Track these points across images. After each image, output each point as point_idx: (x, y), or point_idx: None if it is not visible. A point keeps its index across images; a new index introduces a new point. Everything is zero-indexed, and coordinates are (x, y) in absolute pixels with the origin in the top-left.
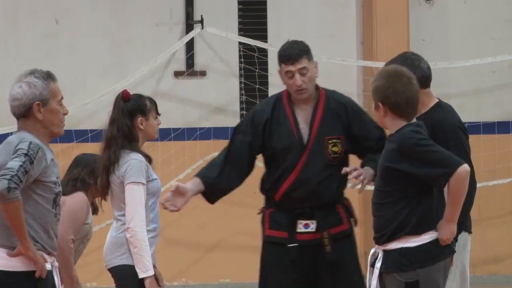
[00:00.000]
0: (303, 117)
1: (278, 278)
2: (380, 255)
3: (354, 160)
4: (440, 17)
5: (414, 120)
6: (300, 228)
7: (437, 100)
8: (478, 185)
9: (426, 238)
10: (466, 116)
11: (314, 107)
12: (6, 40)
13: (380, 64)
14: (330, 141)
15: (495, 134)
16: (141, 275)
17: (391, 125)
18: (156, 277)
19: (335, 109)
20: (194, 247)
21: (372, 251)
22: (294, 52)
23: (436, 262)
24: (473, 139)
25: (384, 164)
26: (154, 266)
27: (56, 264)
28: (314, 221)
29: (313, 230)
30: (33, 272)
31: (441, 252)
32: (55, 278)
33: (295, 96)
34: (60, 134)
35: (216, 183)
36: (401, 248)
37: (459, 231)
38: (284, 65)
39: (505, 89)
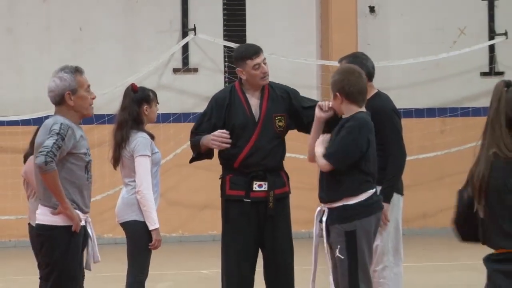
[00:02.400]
0: (253, 101)
1: (236, 226)
2: (326, 211)
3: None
4: (381, 25)
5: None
6: (255, 187)
7: (377, 90)
8: (410, 157)
9: (362, 196)
10: (402, 103)
11: (261, 93)
12: (42, 45)
13: (334, 63)
14: (276, 118)
15: (424, 117)
16: (150, 227)
17: (347, 111)
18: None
19: (279, 94)
20: (188, 207)
21: (318, 208)
22: (257, 48)
23: (369, 215)
24: (406, 122)
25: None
26: None
27: (89, 219)
28: (266, 183)
29: (266, 189)
30: (70, 226)
31: (373, 208)
32: (89, 230)
33: (260, 82)
34: (90, 115)
35: (208, 156)
36: (343, 205)
37: (392, 195)
38: (250, 60)
39: (433, 83)
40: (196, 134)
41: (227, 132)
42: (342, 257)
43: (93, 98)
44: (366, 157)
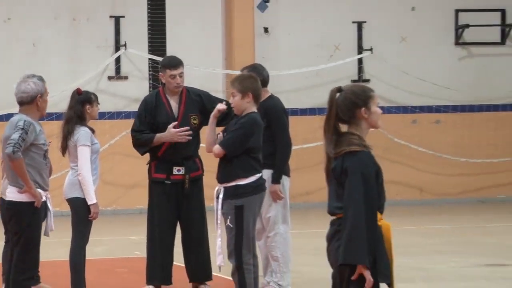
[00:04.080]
0: (173, 103)
1: (159, 202)
2: (222, 190)
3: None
4: (273, 42)
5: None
6: (175, 172)
7: (270, 94)
8: (296, 147)
9: (251, 179)
10: (290, 105)
11: (180, 96)
12: (4, 57)
13: (236, 72)
14: (192, 117)
15: (307, 115)
16: (89, 202)
17: (246, 109)
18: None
19: (194, 97)
20: (120, 186)
21: (216, 188)
22: (177, 62)
23: (255, 194)
24: (293, 119)
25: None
26: None
27: (49, 196)
28: (183, 167)
29: (182, 173)
30: (33, 202)
31: (258, 189)
32: (48, 205)
33: (173, 90)
34: (44, 115)
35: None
36: (236, 185)
37: (281, 177)
38: (169, 70)
39: (314, 88)
40: (141, 132)
41: (187, 128)
42: (231, 226)
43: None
44: (254, 147)
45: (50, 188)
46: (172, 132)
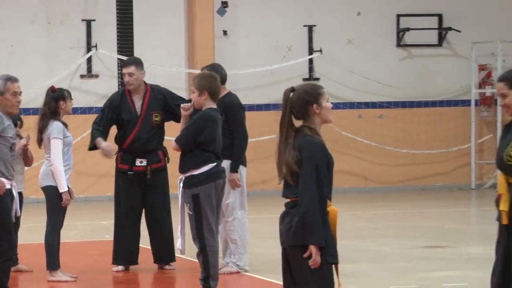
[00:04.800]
0: (137, 101)
1: (124, 190)
2: (182, 179)
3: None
4: (232, 44)
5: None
6: (137, 163)
7: (228, 91)
8: (252, 139)
9: (204, 169)
10: (247, 101)
11: (143, 95)
12: None
13: (198, 71)
14: (153, 114)
15: (263, 111)
16: (61, 190)
17: (204, 106)
18: (69, 192)
19: (157, 95)
20: (92, 175)
21: (180, 177)
22: (128, 62)
23: (210, 183)
24: (250, 114)
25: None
26: (68, 187)
27: (14, 184)
28: (145, 159)
29: (144, 164)
30: None
31: (213, 178)
32: (13, 192)
33: (127, 87)
34: (13, 113)
35: (104, 139)
36: (191, 175)
37: (239, 167)
38: (123, 69)
39: (269, 86)
40: (98, 125)
41: (114, 148)
42: (191, 213)
43: (18, 102)
44: (207, 141)
45: (27, 177)
46: (103, 146)
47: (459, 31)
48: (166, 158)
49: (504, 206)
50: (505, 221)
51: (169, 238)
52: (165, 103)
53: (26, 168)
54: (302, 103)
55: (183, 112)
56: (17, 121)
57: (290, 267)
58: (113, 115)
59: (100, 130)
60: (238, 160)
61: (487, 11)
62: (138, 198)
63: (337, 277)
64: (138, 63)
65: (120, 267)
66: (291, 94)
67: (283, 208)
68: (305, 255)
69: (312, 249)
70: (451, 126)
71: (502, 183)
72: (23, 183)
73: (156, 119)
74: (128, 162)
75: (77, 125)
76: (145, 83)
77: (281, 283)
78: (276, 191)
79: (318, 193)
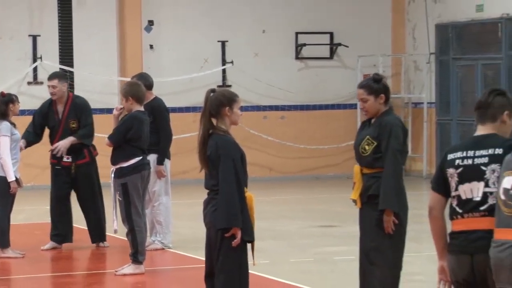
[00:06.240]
0: (60, 109)
1: (55, 180)
2: (113, 170)
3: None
4: (157, 56)
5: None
6: (64, 159)
7: (155, 96)
8: (176, 136)
9: (131, 162)
10: (170, 104)
11: (65, 104)
12: None
13: (128, 79)
14: (71, 121)
15: (184, 112)
16: (8, 180)
17: (133, 109)
18: (18, 181)
19: (77, 104)
20: (37, 167)
21: (111, 169)
22: (51, 76)
23: (136, 173)
24: (174, 115)
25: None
26: (16, 177)
27: None
28: (71, 156)
29: (70, 160)
30: None
31: (139, 169)
32: None
33: (51, 97)
34: None
35: (35, 141)
36: (120, 167)
37: (164, 160)
38: (48, 82)
39: (189, 92)
40: (28, 127)
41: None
42: (121, 199)
43: None
44: (133, 138)
45: None
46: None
47: (347, 46)
48: (91, 154)
49: (354, 195)
50: (358, 205)
51: (99, 220)
52: (81, 110)
53: None
54: (218, 103)
55: (114, 112)
56: None
57: (211, 245)
58: (42, 120)
59: (28, 131)
60: (164, 154)
61: (370, 30)
62: (67, 186)
63: (252, 255)
64: (61, 77)
65: (48, 245)
66: (211, 94)
67: (201, 195)
68: (227, 235)
69: (235, 230)
70: (341, 125)
71: (357, 173)
72: None
73: (73, 125)
74: (57, 157)
75: (24, 125)
76: (68, 92)
77: (200, 258)
78: (195, 180)
79: (236, 183)
